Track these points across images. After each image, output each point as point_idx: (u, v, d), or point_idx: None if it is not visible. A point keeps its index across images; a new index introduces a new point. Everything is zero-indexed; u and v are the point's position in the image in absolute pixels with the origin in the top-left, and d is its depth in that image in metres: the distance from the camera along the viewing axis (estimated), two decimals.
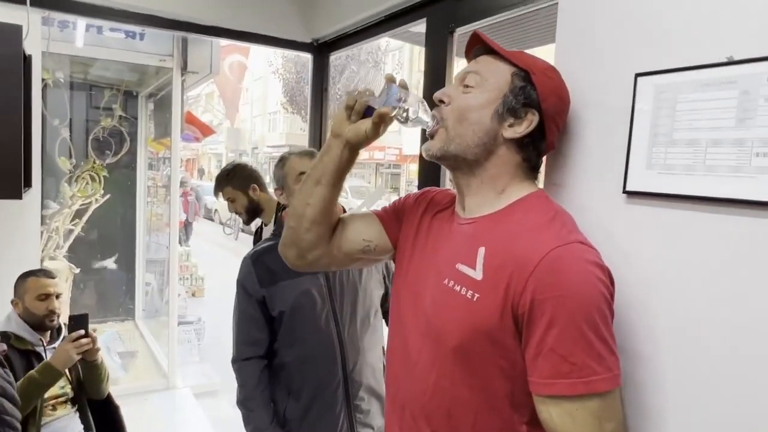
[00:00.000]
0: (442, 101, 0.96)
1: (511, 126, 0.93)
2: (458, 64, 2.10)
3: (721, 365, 0.81)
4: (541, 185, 1.04)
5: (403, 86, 0.93)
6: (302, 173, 1.62)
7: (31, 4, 2.10)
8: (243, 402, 1.66)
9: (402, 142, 21.66)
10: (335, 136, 1.01)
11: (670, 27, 0.88)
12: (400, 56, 19.24)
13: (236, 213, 2.60)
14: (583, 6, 1.03)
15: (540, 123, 0.93)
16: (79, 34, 3.71)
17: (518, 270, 0.83)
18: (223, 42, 4.39)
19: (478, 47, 1.01)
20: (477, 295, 0.87)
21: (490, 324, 0.86)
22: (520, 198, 0.94)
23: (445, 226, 1.04)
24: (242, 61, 6.06)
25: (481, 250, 0.90)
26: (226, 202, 2.65)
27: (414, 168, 23.06)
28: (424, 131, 0.98)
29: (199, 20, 2.51)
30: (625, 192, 0.93)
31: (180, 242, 9.51)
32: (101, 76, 4.83)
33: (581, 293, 0.80)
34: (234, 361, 1.69)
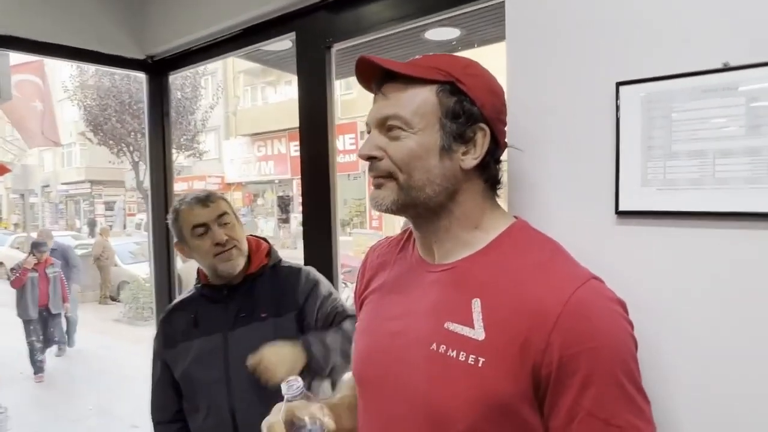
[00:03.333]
0: (373, 158, 0.79)
1: (466, 154, 0.78)
2: (339, 85, 1.93)
3: (743, 404, 0.76)
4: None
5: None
6: (197, 225, 1.40)
7: None
8: None
9: (224, 170, 20.68)
10: None
11: (652, 31, 0.81)
12: (213, 80, 18.40)
13: None
14: (539, 10, 0.93)
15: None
16: None
17: (536, 322, 0.69)
18: (14, 59, 3.58)
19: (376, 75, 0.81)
20: (482, 360, 0.71)
21: (505, 393, 0.70)
22: (502, 232, 0.80)
23: (407, 279, 0.85)
24: (35, 80, 5.04)
25: (476, 303, 0.74)
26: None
27: (238, 196, 22.22)
28: None
29: None
30: (618, 213, 0.84)
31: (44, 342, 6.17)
32: None
33: (615, 341, 0.69)
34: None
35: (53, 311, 6.41)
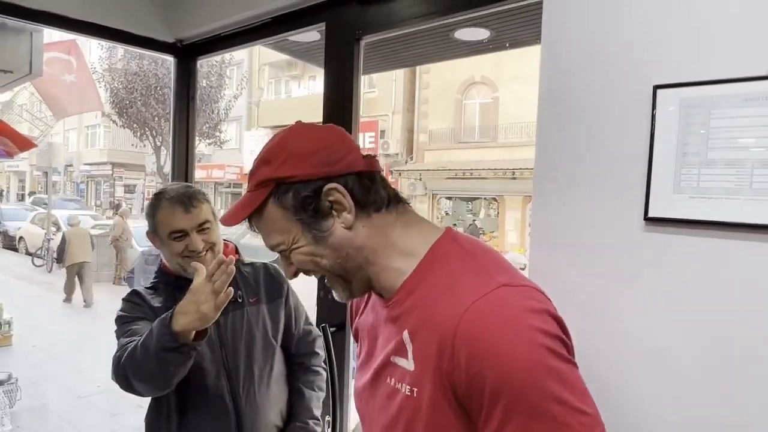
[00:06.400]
0: (299, 273, 0.82)
1: (338, 218, 0.75)
2: (365, 80, 1.91)
3: None
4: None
5: None
6: (174, 232, 1.32)
7: None
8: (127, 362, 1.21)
9: (243, 160, 20.85)
10: None
11: (693, 34, 0.79)
12: (239, 71, 18.52)
13: None
14: (576, 8, 0.91)
15: (339, 179, 0.74)
16: None
17: (441, 343, 0.67)
18: (48, 37, 3.63)
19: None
20: (415, 389, 0.71)
21: (438, 420, 0.68)
22: (429, 250, 0.75)
23: (373, 318, 0.86)
24: (65, 57, 5.10)
25: (406, 335, 0.73)
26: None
27: None
28: None
29: (17, 0, 1.96)
30: (646, 219, 0.82)
31: None
32: None
33: (514, 356, 0.63)
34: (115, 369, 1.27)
35: None
